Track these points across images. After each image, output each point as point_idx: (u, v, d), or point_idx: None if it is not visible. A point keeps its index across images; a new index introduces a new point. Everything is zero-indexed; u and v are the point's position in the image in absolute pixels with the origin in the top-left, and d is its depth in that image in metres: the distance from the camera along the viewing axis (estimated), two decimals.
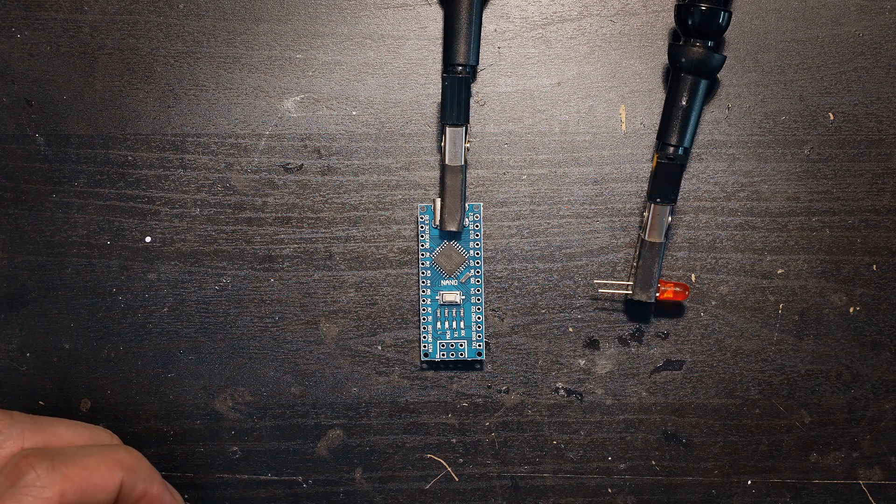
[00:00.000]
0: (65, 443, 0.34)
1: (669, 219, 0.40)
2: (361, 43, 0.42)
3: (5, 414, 0.33)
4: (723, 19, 0.39)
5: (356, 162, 0.42)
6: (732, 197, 0.42)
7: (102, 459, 0.33)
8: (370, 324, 0.42)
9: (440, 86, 0.41)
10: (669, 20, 0.42)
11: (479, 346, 0.41)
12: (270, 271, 0.42)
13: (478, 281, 0.41)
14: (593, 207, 0.42)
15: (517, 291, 0.42)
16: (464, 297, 0.41)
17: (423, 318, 0.41)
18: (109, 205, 0.42)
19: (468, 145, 0.41)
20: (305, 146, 0.42)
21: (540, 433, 0.42)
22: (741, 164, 0.42)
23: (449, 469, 0.42)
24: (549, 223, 0.42)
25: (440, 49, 0.42)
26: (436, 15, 0.42)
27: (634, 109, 0.42)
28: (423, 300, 0.41)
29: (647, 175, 0.42)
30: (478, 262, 0.41)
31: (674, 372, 0.42)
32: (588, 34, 0.42)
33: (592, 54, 0.42)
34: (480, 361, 0.42)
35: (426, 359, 0.41)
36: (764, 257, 0.42)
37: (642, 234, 0.41)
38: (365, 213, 0.42)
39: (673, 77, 0.40)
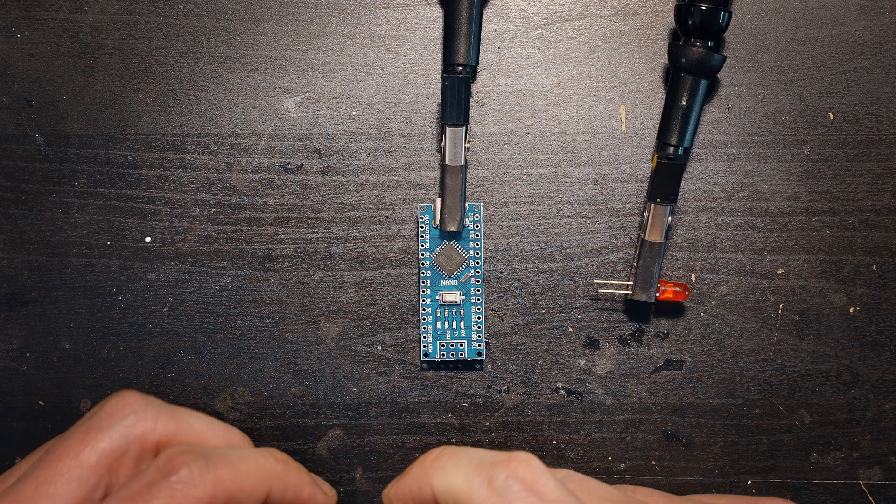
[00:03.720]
0: (196, 435, 0.34)
1: (669, 219, 0.40)
2: (361, 43, 0.42)
3: (141, 396, 0.33)
4: (723, 19, 0.39)
5: (356, 162, 0.42)
6: (732, 197, 0.42)
7: (255, 466, 0.33)
8: (370, 324, 0.42)
9: (440, 86, 0.41)
10: (669, 20, 0.42)
11: (479, 346, 0.41)
12: (270, 271, 0.42)
13: (478, 281, 0.41)
14: (593, 207, 0.42)
15: (517, 291, 0.42)
16: (464, 297, 0.41)
17: (423, 318, 0.41)
18: (109, 205, 0.42)
19: (468, 145, 0.41)
20: (305, 146, 0.42)
21: (540, 433, 0.42)
22: (741, 164, 0.42)
23: None
24: (549, 223, 0.42)
25: (440, 49, 0.42)
26: (436, 15, 0.42)
27: (634, 109, 0.42)
28: (423, 300, 0.41)
29: (647, 175, 0.42)
30: (478, 262, 0.41)
31: (674, 372, 0.42)
32: (588, 34, 0.42)
33: (592, 54, 0.42)
34: (480, 361, 0.42)
35: (426, 359, 0.41)
36: (764, 257, 0.42)
37: (642, 234, 0.41)
38: (365, 213, 0.42)
39: (673, 77, 0.40)
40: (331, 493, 0.36)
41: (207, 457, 0.32)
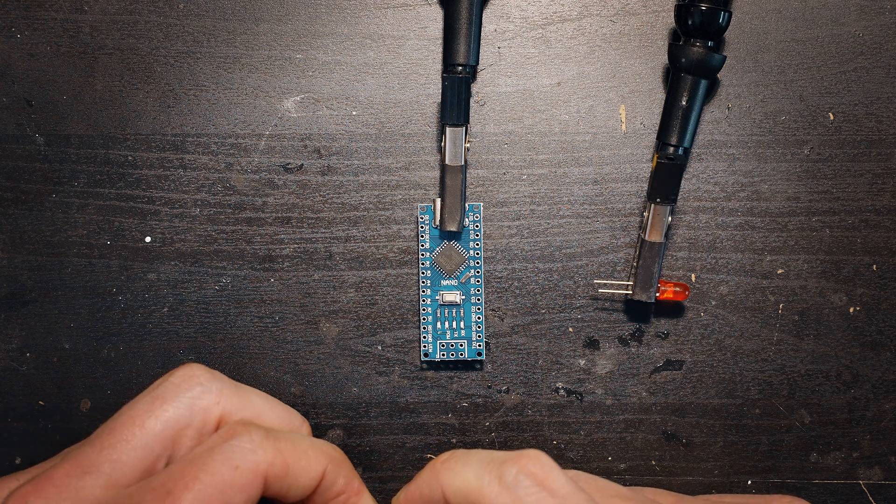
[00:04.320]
0: (257, 412, 0.34)
1: (669, 219, 0.40)
2: (361, 43, 0.42)
3: (207, 370, 0.34)
4: (723, 19, 0.39)
5: (356, 162, 0.42)
6: (732, 197, 0.42)
7: (312, 445, 0.33)
8: (370, 324, 0.42)
9: (440, 86, 0.41)
10: (669, 20, 0.42)
11: (479, 346, 0.41)
12: (270, 271, 0.42)
13: (478, 281, 0.41)
14: (593, 207, 0.42)
15: (517, 291, 0.42)
16: (464, 297, 0.41)
17: (423, 318, 0.41)
18: (109, 205, 0.42)
19: (468, 145, 0.41)
20: (305, 146, 0.42)
21: (540, 433, 0.42)
22: (741, 164, 0.42)
23: None
24: (549, 223, 0.42)
25: (440, 49, 0.42)
26: (436, 15, 0.42)
27: (634, 109, 0.42)
28: (423, 300, 0.41)
29: (647, 175, 0.42)
30: (478, 262, 0.41)
31: (674, 372, 0.42)
32: (588, 34, 0.42)
33: (592, 54, 0.42)
34: (480, 361, 0.42)
35: (426, 359, 0.41)
36: (764, 257, 0.42)
37: (642, 234, 0.41)
38: (365, 213, 0.42)
39: (673, 77, 0.40)
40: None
41: (269, 430, 0.32)
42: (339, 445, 0.42)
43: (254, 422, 0.33)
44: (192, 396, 0.33)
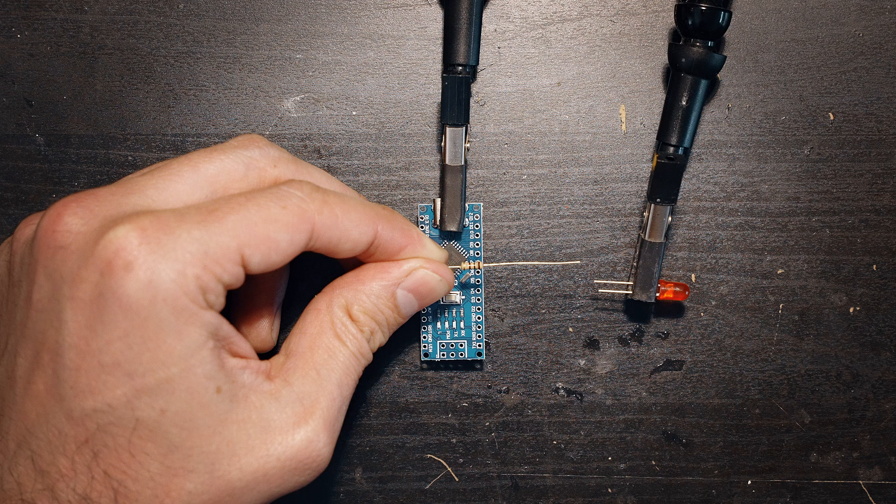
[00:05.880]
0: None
1: (669, 219, 0.40)
2: (361, 43, 0.42)
3: (266, 139, 0.34)
4: (723, 19, 0.39)
5: (356, 162, 0.42)
6: (732, 197, 0.42)
7: (363, 203, 0.34)
8: None
9: (440, 86, 0.41)
10: (669, 20, 0.42)
11: (479, 346, 0.41)
12: None
13: (478, 281, 0.41)
14: (593, 207, 0.42)
15: (517, 291, 0.42)
16: (464, 297, 0.41)
17: (423, 318, 0.41)
18: None
19: (468, 145, 0.41)
20: (305, 146, 0.42)
21: (540, 433, 0.42)
22: (741, 164, 0.42)
23: (449, 469, 0.42)
24: (549, 223, 0.42)
25: (440, 49, 0.42)
26: (436, 15, 0.42)
27: (634, 109, 0.42)
28: None
29: (647, 175, 0.42)
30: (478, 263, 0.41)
31: (674, 372, 0.42)
32: (588, 34, 0.42)
33: (592, 54, 0.42)
34: (480, 361, 0.42)
35: (426, 359, 0.41)
36: (764, 257, 0.42)
37: (642, 234, 0.41)
38: None
39: (673, 77, 0.40)
40: (443, 250, 0.37)
41: (321, 187, 0.33)
42: (339, 446, 0.42)
43: (307, 180, 0.33)
44: (249, 155, 0.33)
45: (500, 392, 0.42)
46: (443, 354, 0.41)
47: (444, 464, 0.42)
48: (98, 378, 0.29)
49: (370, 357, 0.35)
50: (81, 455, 0.29)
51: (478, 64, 0.41)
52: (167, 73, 0.42)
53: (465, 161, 0.41)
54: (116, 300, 0.28)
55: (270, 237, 0.31)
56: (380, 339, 0.35)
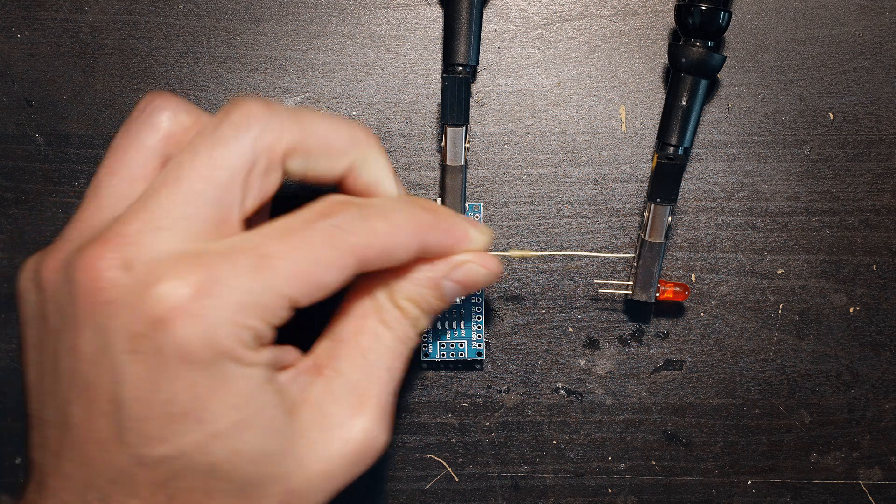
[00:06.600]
0: (320, 139, 0.33)
1: (669, 219, 0.40)
2: (361, 43, 0.42)
3: (262, 104, 0.32)
4: (723, 19, 0.39)
5: None
6: (732, 197, 0.42)
7: (408, 219, 0.33)
8: None
9: (440, 86, 0.41)
10: (669, 20, 0.42)
11: (479, 346, 0.41)
12: None
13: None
14: (593, 207, 0.42)
15: (517, 291, 0.42)
16: (464, 297, 0.41)
17: None
18: None
19: (468, 145, 0.41)
20: None
21: (540, 433, 0.42)
22: (741, 164, 0.42)
23: (449, 469, 0.42)
24: (549, 223, 0.42)
25: (440, 49, 0.42)
26: (436, 15, 0.42)
27: (634, 109, 0.42)
28: None
29: (647, 175, 0.42)
30: None
31: (674, 372, 0.42)
32: (588, 34, 0.42)
33: (592, 54, 0.42)
34: (480, 361, 0.42)
35: (426, 359, 0.41)
36: (764, 257, 0.42)
37: (642, 234, 0.41)
38: None
39: (673, 77, 0.40)
40: (486, 231, 0.36)
41: (362, 207, 0.32)
42: None
43: (349, 198, 0.32)
44: (253, 137, 0.31)
45: (500, 392, 0.42)
46: (443, 354, 0.41)
47: (444, 464, 0.42)
48: (168, 427, 0.29)
49: (416, 341, 0.35)
50: (156, 498, 0.29)
51: (478, 64, 0.41)
52: (167, 73, 0.42)
53: (465, 161, 0.41)
54: (177, 355, 0.28)
55: (320, 281, 0.30)
56: (423, 324, 0.35)
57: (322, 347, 0.34)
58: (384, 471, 0.42)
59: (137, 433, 0.29)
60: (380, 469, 0.42)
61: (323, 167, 0.33)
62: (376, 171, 0.34)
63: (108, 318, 0.29)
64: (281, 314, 0.30)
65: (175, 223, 0.30)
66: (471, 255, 0.35)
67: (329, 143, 0.33)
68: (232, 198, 0.31)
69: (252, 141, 0.31)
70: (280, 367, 0.32)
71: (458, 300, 0.40)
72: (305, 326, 0.35)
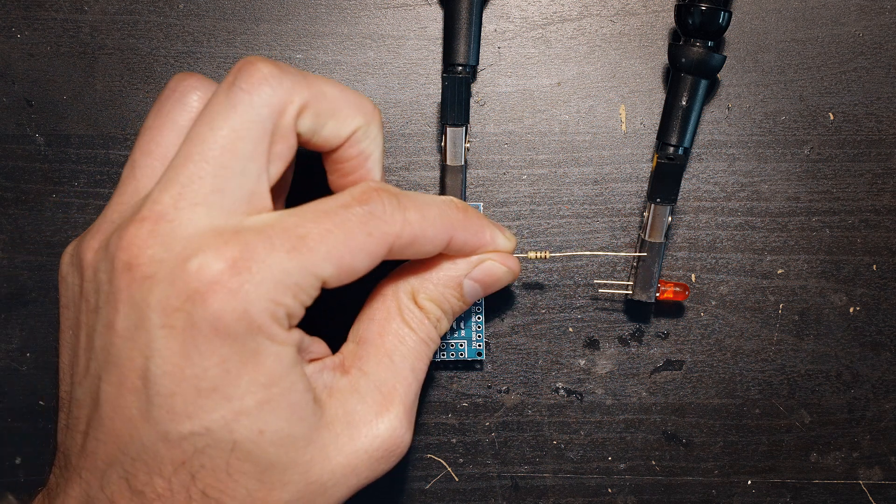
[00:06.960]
0: (330, 103, 0.32)
1: (669, 219, 0.40)
2: (361, 43, 0.42)
3: (276, 65, 0.32)
4: (723, 19, 0.39)
5: None
6: (732, 197, 0.42)
7: (440, 214, 0.34)
8: None
9: (440, 86, 0.41)
10: (669, 20, 0.42)
11: (479, 346, 0.41)
12: None
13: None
14: (593, 207, 0.42)
15: (517, 291, 0.42)
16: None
17: None
18: None
19: (468, 145, 0.41)
20: None
21: (540, 433, 0.42)
22: (741, 164, 0.42)
23: (449, 469, 0.42)
24: (549, 223, 0.42)
25: (440, 49, 0.42)
26: (436, 15, 0.42)
27: (634, 109, 0.42)
28: None
29: (647, 175, 0.42)
30: None
31: (674, 372, 0.42)
32: (588, 34, 0.42)
33: (592, 54, 0.42)
34: (480, 361, 0.42)
35: None
36: (764, 257, 0.42)
37: (642, 234, 0.41)
38: None
39: (673, 77, 0.40)
40: (512, 238, 0.36)
41: (399, 196, 0.32)
42: None
43: (386, 186, 0.33)
44: (266, 100, 0.31)
45: (500, 392, 0.42)
46: (443, 354, 0.41)
47: (444, 464, 0.42)
48: (195, 403, 0.29)
49: (438, 342, 0.35)
50: (178, 476, 0.30)
51: (478, 64, 0.41)
52: (167, 73, 0.42)
53: (465, 161, 0.41)
54: (211, 328, 0.29)
55: (352, 265, 0.31)
56: (445, 325, 0.36)
57: (348, 348, 0.34)
58: None
59: (165, 409, 0.29)
60: None
61: (330, 129, 0.33)
62: (374, 143, 0.34)
63: (147, 293, 0.29)
64: (313, 294, 0.30)
65: (208, 198, 0.30)
66: (493, 253, 0.36)
67: (338, 106, 0.33)
68: (258, 167, 0.31)
69: (266, 104, 0.31)
70: (309, 359, 0.32)
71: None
72: (322, 324, 0.35)
